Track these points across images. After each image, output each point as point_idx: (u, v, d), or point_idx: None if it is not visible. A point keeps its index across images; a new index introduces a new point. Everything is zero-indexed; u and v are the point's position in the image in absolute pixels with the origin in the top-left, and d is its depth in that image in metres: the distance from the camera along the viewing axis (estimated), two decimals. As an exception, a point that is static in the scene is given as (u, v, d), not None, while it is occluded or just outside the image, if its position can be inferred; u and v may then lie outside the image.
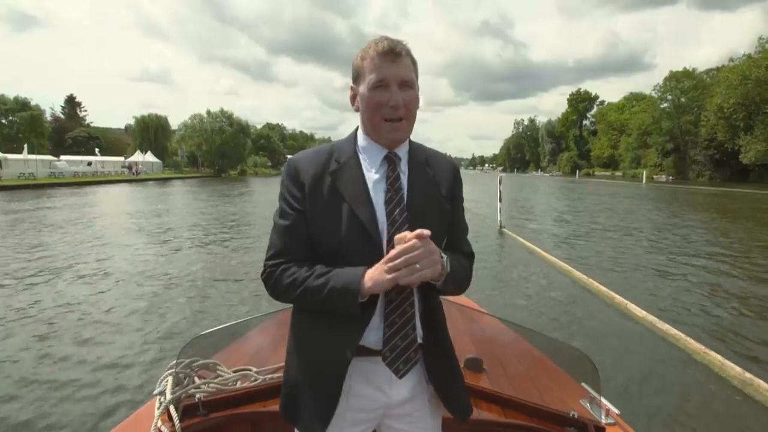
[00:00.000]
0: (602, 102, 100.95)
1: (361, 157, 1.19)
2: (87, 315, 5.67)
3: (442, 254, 1.10)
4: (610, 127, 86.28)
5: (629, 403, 3.51)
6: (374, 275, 1.05)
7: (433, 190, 1.20)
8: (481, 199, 24.55)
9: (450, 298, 2.03)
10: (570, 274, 7.66)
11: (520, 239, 11.20)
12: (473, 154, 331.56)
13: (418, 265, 1.01)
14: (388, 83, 1.12)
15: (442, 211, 1.21)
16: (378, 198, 1.14)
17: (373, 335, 1.13)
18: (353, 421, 1.17)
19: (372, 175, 1.17)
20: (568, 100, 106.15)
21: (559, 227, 14.64)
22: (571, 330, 5.17)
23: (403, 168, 1.20)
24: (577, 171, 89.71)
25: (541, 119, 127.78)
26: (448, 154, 1.36)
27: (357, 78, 1.18)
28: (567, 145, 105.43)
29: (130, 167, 55.72)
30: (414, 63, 1.18)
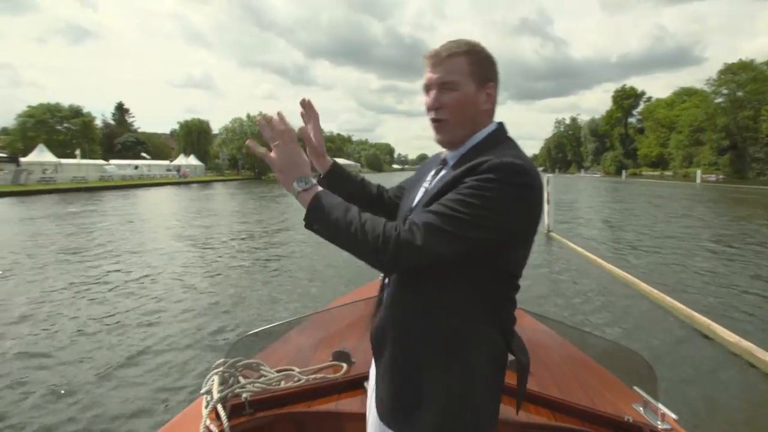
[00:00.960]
0: (649, 98, 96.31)
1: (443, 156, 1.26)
2: (135, 313, 5.92)
3: (309, 178, 1.09)
4: (658, 125, 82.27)
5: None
6: None
7: (444, 187, 1.10)
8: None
9: None
10: (635, 287, 6.93)
11: (571, 244, 10.47)
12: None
13: (280, 144, 1.08)
14: (429, 87, 1.16)
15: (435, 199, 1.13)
16: (419, 194, 1.21)
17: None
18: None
19: (429, 174, 1.24)
20: (612, 97, 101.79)
21: (612, 232, 13.76)
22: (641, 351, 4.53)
23: (450, 167, 1.18)
24: (623, 171, 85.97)
25: (584, 118, 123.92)
26: (509, 157, 1.06)
27: None
28: (611, 144, 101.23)
29: (178, 170, 57.46)
30: (475, 63, 1.14)
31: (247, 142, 1.21)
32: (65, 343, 4.90)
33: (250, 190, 37.77)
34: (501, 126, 1.19)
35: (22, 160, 39.54)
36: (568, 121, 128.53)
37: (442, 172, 1.19)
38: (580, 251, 9.70)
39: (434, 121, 1.16)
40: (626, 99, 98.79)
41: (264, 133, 1.10)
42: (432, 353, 1.07)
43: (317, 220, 1.05)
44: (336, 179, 1.38)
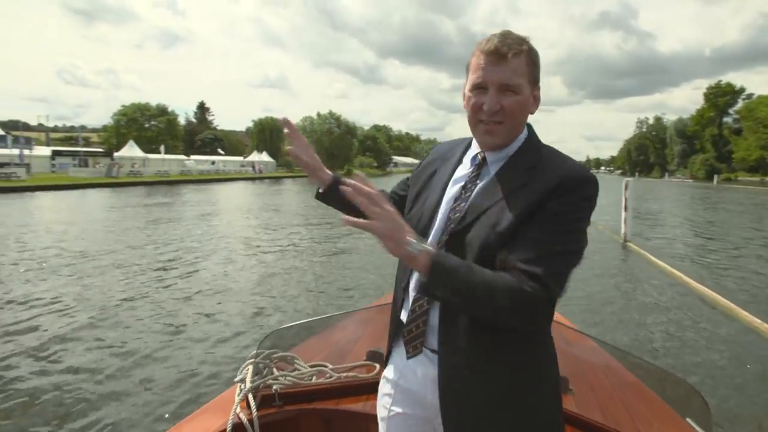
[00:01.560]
0: (750, 95, 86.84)
1: (468, 153, 1.19)
2: (193, 300, 6.46)
3: (419, 239, 0.95)
4: (759, 125, 73.88)
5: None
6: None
7: (511, 197, 1.03)
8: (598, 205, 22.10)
9: None
10: (734, 315, 6.01)
11: (650, 256, 9.45)
12: (588, 157, 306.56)
13: (378, 210, 0.91)
14: (486, 87, 1.06)
15: (506, 220, 1.01)
16: (451, 194, 1.13)
17: (405, 310, 1.17)
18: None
19: (461, 172, 1.16)
20: (705, 94, 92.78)
21: (702, 246, 12.34)
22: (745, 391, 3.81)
23: (491, 171, 1.11)
24: (715, 176, 78.34)
25: (669, 117, 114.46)
26: (582, 169, 1.05)
27: (466, 75, 1.12)
28: (701, 146, 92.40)
29: (253, 166, 60.49)
30: (531, 63, 1.07)
31: (288, 149, 1.30)
32: (145, 314, 5.71)
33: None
34: (531, 126, 1.17)
35: (115, 154, 43.26)
36: (651, 121, 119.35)
37: (486, 179, 1.10)
38: (661, 265, 8.70)
39: (488, 123, 1.07)
40: (721, 96, 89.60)
41: (353, 199, 0.94)
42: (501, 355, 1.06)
43: (441, 286, 0.95)
44: (338, 192, 1.25)
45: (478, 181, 1.11)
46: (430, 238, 1.09)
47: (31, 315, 5.59)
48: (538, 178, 1.03)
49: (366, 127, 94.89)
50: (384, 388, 1.25)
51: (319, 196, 1.39)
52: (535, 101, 1.12)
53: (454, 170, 1.18)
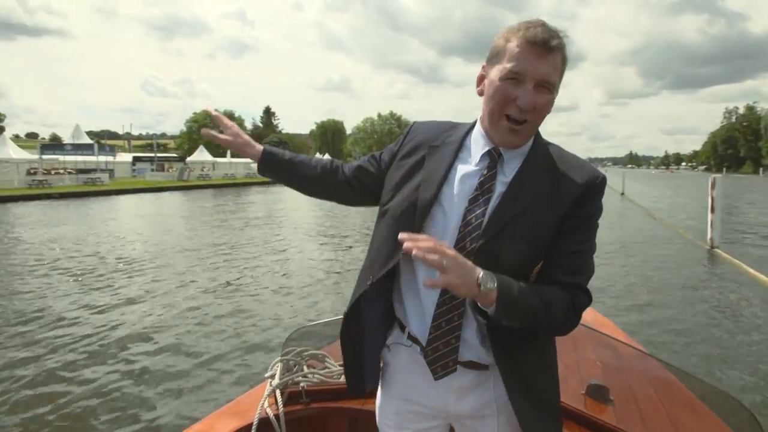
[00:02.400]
0: None
1: (465, 144, 1.08)
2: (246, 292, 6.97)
3: (484, 273, 0.88)
4: None
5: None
6: None
7: (539, 203, 0.98)
8: (678, 205, 20.07)
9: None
10: None
11: (745, 266, 8.18)
12: (666, 152, 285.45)
13: (444, 261, 0.82)
14: (524, 79, 0.95)
15: (541, 230, 0.98)
16: (463, 192, 1.01)
17: (417, 324, 1.07)
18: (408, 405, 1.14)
19: (466, 167, 1.04)
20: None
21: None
22: None
23: (507, 171, 1.02)
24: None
25: (764, 106, 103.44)
26: (594, 167, 1.06)
27: (493, 58, 1.00)
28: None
29: None
30: (564, 61, 0.99)
31: (202, 130, 1.32)
32: (207, 301, 6.41)
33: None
34: None
35: (187, 159, 45.82)
36: (742, 111, 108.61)
37: (506, 180, 1.01)
38: (759, 277, 7.48)
39: (515, 121, 0.98)
40: (828, 81, 79.54)
41: (418, 256, 0.84)
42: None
43: (507, 315, 0.92)
44: (275, 164, 1.27)
45: (494, 181, 1.01)
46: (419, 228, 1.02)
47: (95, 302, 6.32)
48: (564, 184, 1.00)
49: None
50: (388, 407, 1.17)
51: (260, 171, 1.28)
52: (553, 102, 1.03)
53: (452, 163, 1.06)
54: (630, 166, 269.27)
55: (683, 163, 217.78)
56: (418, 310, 1.06)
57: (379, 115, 72.37)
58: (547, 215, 0.98)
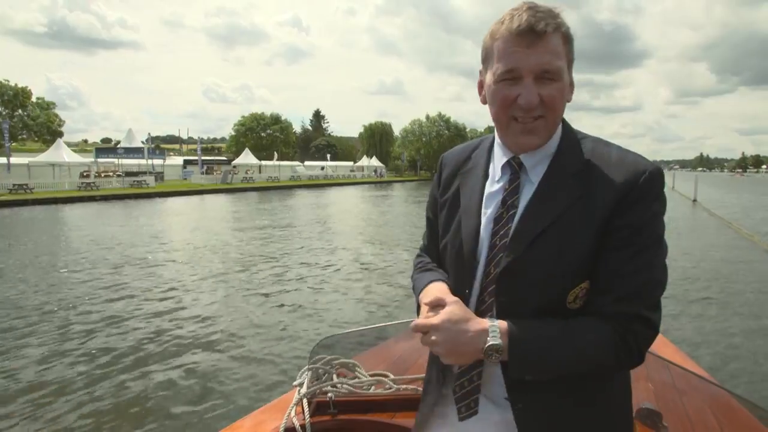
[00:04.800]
0: None
1: (492, 159, 0.98)
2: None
3: (490, 327, 0.81)
4: None
5: None
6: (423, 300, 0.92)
7: (570, 215, 0.83)
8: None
9: None
10: None
11: None
12: (743, 153, 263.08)
13: (433, 337, 0.81)
14: (520, 75, 0.83)
15: (573, 246, 0.83)
16: (489, 214, 0.92)
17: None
18: None
19: (492, 186, 0.95)
20: None
21: None
22: None
23: (534, 178, 0.89)
24: None
25: None
26: (641, 157, 0.87)
27: (485, 61, 0.90)
28: None
29: (375, 170, 62.79)
30: (567, 39, 0.85)
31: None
32: (243, 302, 6.53)
33: (424, 191, 37.30)
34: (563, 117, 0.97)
35: (233, 162, 46.26)
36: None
37: (530, 190, 0.89)
38: None
39: (525, 121, 0.86)
40: None
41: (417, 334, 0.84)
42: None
43: (527, 373, 0.82)
44: None
45: (519, 194, 0.90)
46: (479, 276, 0.91)
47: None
48: (597, 186, 0.84)
49: (480, 129, 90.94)
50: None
51: None
52: (571, 87, 0.90)
53: (483, 184, 0.96)
54: (700, 169, 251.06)
55: (764, 166, 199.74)
56: None
57: (428, 117, 70.54)
58: (579, 227, 0.83)
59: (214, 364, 4.45)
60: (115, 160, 36.00)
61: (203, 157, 49.11)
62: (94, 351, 4.73)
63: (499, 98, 0.86)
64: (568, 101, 0.89)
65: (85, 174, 31.15)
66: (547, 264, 0.83)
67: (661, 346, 2.40)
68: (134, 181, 31.51)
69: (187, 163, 47.71)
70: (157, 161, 39.40)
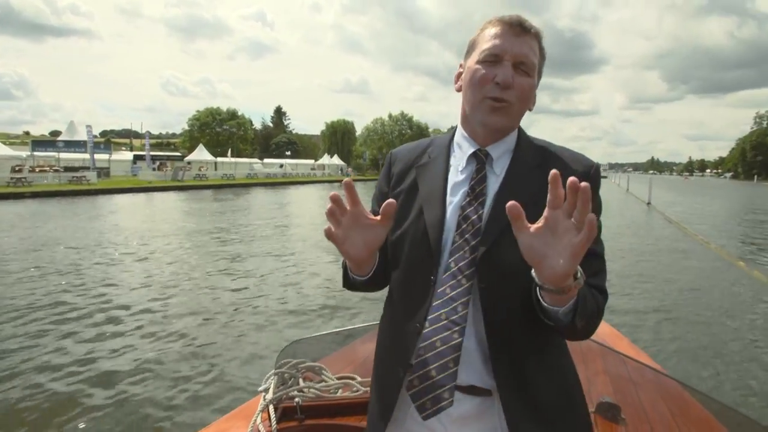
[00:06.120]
0: None
1: (452, 153, 1.03)
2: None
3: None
4: None
5: None
6: None
7: (536, 202, 0.87)
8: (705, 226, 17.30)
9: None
10: None
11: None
12: (690, 158, 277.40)
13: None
14: (501, 58, 0.93)
15: None
16: (456, 202, 0.95)
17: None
18: None
19: (456, 176, 0.99)
20: None
21: None
22: None
23: (498, 169, 0.97)
24: None
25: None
26: (586, 157, 1.00)
27: (469, 51, 1.00)
28: (842, 143, 77.91)
29: (341, 169, 61.59)
30: (542, 53, 0.98)
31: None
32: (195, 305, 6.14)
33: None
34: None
35: (186, 158, 44.34)
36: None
37: (497, 180, 0.95)
38: None
39: (498, 100, 0.93)
40: None
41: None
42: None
43: (582, 315, 0.82)
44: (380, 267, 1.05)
45: (485, 183, 0.95)
46: (444, 262, 0.92)
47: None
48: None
49: (444, 129, 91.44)
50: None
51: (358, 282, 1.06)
52: (534, 97, 0.99)
53: (445, 176, 1.00)
54: (652, 172, 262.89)
55: (708, 171, 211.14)
56: (419, 335, 0.94)
57: (390, 116, 70.20)
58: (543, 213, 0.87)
59: (170, 373, 4.17)
60: (56, 154, 33.64)
61: (155, 153, 46.89)
62: (29, 368, 4.23)
63: (479, 76, 0.93)
64: (530, 109, 0.97)
65: (17, 169, 28.83)
66: (517, 249, 0.81)
67: (616, 340, 2.47)
68: (73, 177, 29.25)
69: (137, 158, 45.28)
70: (103, 156, 37.07)
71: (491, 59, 0.93)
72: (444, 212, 0.95)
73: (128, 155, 47.55)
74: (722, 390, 4.03)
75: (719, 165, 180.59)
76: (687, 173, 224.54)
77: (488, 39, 0.94)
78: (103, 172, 34.47)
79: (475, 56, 0.96)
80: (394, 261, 1.02)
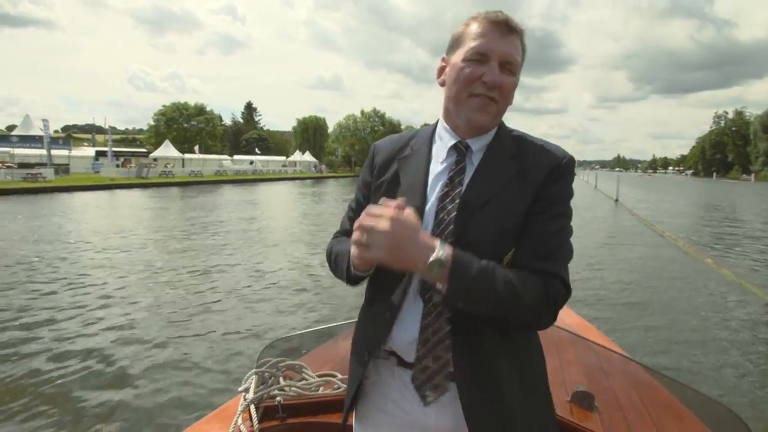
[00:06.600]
0: None
1: (434, 145, 1.05)
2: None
3: (437, 243, 0.86)
4: None
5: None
6: None
7: (506, 190, 0.95)
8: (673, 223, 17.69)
9: (562, 323, 1.91)
10: None
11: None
12: (653, 156, 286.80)
13: (364, 238, 0.84)
14: (489, 58, 0.94)
15: (510, 216, 0.94)
16: (436, 193, 0.99)
17: (406, 345, 0.99)
18: None
19: (437, 167, 1.02)
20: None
21: None
22: None
23: (475, 161, 1.00)
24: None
25: (753, 111, 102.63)
26: (561, 148, 1.02)
27: (453, 46, 1.00)
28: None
29: (315, 166, 61.34)
30: (524, 50, 0.99)
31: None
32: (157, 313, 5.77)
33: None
34: None
35: (151, 155, 42.79)
36: (731, 116, 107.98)
37: (473, 170, 0.98)
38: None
39: (484, 99, 0.95)
40: (818, 87, 78.53)
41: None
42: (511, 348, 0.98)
43: (462, 296, 0.87)
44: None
45: (464, 174, 0.99)
46: None
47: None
48: (530, 167, 0.96)
49: (417, 126, 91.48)
50: (365, 420, 1.08)
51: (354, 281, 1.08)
52: (513, 94, 1.01)
53: (427, 167, 1.02)
54: (618, 169, 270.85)
55: (670, 168, 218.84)
56: (402, 322, 0.98)
57: (363, 112, 69.69)
58: (515, 200, 0.94)
59: (144, 377, 4.06)
60: (10, 150, 31.87)
61: (119, 149, 45.15)
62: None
63: (465, 75, 0.94)
64: (509, 104, 0.99)
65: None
66: (487, 232, 0.92)
67: (585, 330, 2.52)
68: (27, 173, 27.74)
69: (99, 154, 43.43)
70: (62, 152, 35.33)
71: (478, 58, 0.93)
72: (424, 204, 0.97)
73: (90, 151, 45.62)
74: (682, 371, 4.32)
75: (681, 162, 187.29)
76: (651, 170, 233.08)
77: (474, 37, 0.94)
78: (62, 168, 32.85)
79: (461, 53, 0.95)
80: None
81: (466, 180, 0.97)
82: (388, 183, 1.04)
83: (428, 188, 0.99)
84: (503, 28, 0.93)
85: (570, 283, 0.93)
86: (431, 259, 0.83)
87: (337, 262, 1.06)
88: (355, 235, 0.85)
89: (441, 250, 0.83)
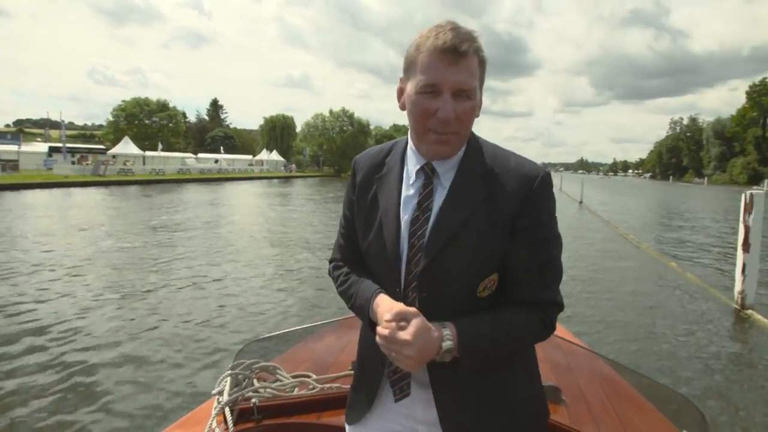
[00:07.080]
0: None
1: (406, 164, 1.04)
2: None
3: (444, 333, 0.90)
4: (809, 127, 67.66)
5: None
6: (378, 313, 0.97)
7: (477, 215, 0.94)
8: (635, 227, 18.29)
9: None
10: None
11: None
12: (614, 159, 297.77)
13: (393, 353, 0.88)
14: (440, 90, 0.91)
15: (484, 241, 0.94)
16: (406, 216, 0.99)
17: None
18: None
19: (408, 189, 1.01)
20: (747, 93, 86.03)
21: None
22: None
23: (445, 182, 0.98)
24: (766, 180, 71.69)
25: (705, 118, 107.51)
26: (533, 163, 1.00)
27: (408, 70, 0.96)
28: (743, 148, 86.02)
29: (285, 166, 60.42)
30: (482, 63, 0.94)
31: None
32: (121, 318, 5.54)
33: (331, 188, 36.00)
34: None
35: (110, 152, 41.04)
36: (686, 122, 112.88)
37: (442, 193, 0.97)
38: None
39: (442, 134, 0.93)
40: (766, 95, 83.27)
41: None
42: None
43: (473, 361, 0.93)
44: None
45: (433, 198, 0.98)
46: (404, 276, 0.98)
47: None
48: (500, 189, 0.95)
49: (386, 126, 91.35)
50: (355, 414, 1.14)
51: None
52: (480, 104, 0.98)
53: (399, 189, 1.02)
54: (581, 171, 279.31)
55: (630, 171, 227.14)
56: None
57: (331, 112, 68.93)
58: (486, 228, 0.94)
59: (116, 380, 3.95)
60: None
61: (76, 145, 43.07)
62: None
63: (419, 110, 0.92)
64: (477, 116, 0.97)
65: None
66: (460, 262, 0.92)
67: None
68: (-29, 170, 26.19)
69: (53, 150, 41.35)
70: (11, 147, 33.45)
71: (429, 90, 0.90)
72: (399, 227, 0.97)
73: (43, 147, 43.35)
74: (641, 362, 4.53)
75: (640, 166, 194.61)
76: (611, 173, 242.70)
77: (424, 68, 0.90)
78: (10, 165, 31.08)
79: (414, 84, 0.92)
80: (368, 268, 1.08)
81: (436, 204, 0.97)
82: (369, 202, 1.04)
83: (401, 210, 0.98)
84: (451, 56, 0.88)
85: (563, 300, 0.97)
86: (442, 351, 0.89)
87: (355, 308, 1.07)
88: (384, 350, 0.89)
89: (446, 338, 0.89)
